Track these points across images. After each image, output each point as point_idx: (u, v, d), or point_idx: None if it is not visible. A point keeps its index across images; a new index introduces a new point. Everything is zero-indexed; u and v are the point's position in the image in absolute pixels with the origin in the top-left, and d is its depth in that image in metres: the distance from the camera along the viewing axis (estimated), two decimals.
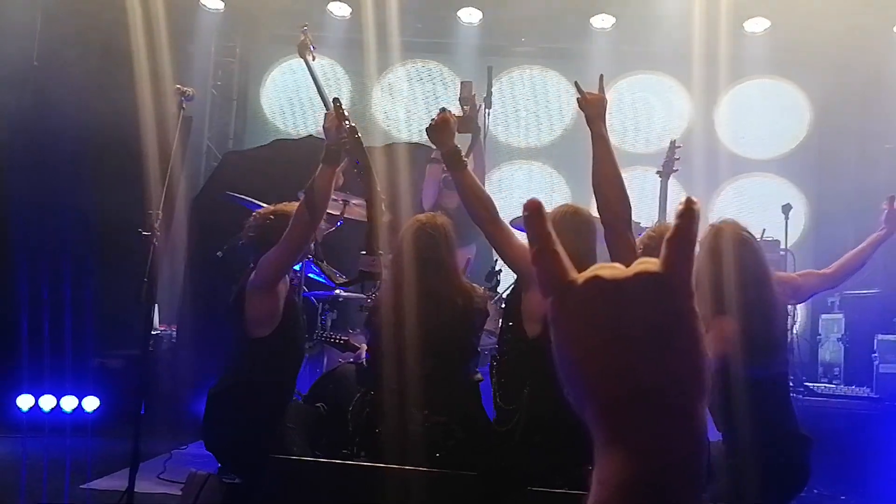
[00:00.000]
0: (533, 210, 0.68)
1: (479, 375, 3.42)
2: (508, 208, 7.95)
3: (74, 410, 6.11)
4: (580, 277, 0.66)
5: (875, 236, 3.73)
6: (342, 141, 3.22)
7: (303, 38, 3.73)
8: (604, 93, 3.06)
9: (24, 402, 5.90)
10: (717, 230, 3.13)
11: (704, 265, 2.96)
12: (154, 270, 3.29)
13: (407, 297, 3.23)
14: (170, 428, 5.42)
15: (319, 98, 3.57)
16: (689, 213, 0.64)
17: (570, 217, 3.20)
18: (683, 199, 0.65)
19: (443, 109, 3.23)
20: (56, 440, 5.52)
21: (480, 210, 3.12)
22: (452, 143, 3.12)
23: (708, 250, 3.02)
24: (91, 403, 6.12)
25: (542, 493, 2.56)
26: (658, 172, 5.05)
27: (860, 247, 3.74)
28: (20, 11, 6.51)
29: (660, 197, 4.96)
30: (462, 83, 4.76)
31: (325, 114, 3.30)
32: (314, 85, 3.68)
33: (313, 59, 3.73)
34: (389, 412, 3.18)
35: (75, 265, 6.45)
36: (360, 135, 3.24)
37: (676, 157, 4.98)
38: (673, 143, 5.04)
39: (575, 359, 0.65)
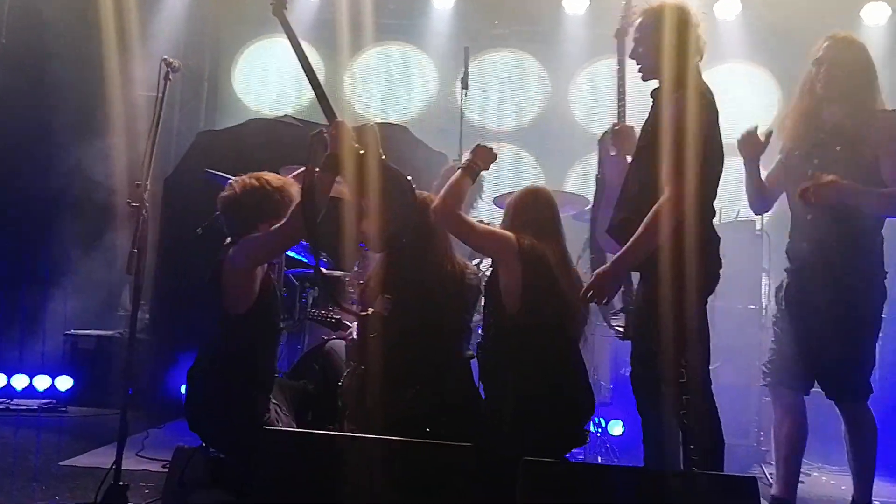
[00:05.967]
0: None
1: (470, 352, 3.43)
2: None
3: (47, 390, 6.03)
4: None
5: None
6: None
7: None
8: None
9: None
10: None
11: None
12: (143, 242, 3.18)
13: (402, 273, 3.25)
14: (146, 408, 5.35)
15: (300, 62, 3.25)
16: None
17: (532, 196, 3.47)
18: None
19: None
20: (29, 419, 5.46)
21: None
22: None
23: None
24: (64, 383, 6.04)
25: (536, 462, 2.56)
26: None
27: None
28: None
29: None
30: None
31: (338, 121, 3.14)
32: (293, 48, 3.28)
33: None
34: (381, 387, 3.18)
35: (52, 242, 6.37)
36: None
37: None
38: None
39: None
